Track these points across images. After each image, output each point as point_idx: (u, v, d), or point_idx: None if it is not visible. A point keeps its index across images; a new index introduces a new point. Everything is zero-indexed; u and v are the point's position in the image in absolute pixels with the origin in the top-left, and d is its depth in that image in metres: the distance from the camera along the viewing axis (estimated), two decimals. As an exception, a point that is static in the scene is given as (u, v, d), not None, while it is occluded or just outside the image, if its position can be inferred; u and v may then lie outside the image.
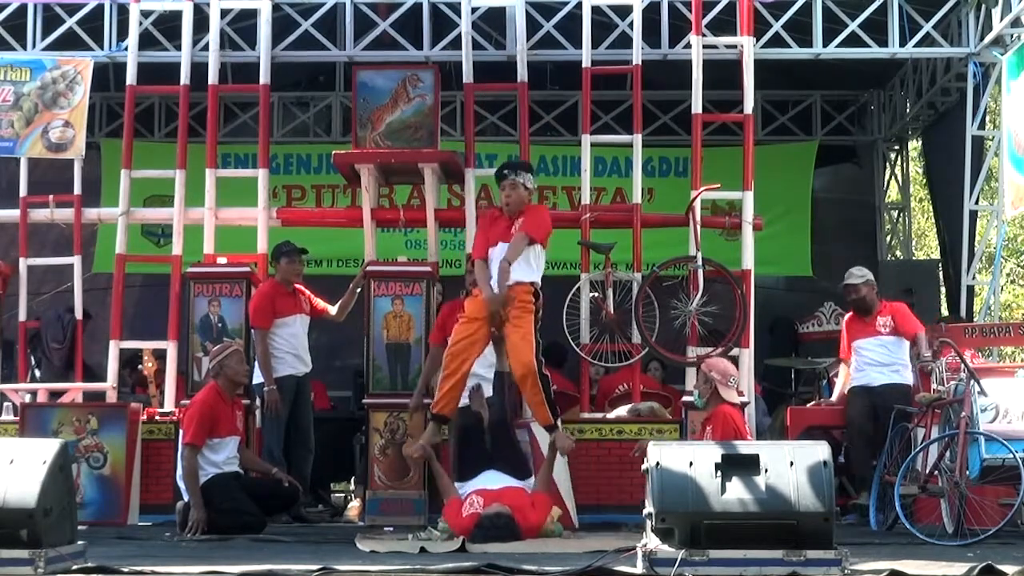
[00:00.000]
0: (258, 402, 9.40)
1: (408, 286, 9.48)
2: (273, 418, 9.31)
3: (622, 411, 9.78)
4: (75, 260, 10.48)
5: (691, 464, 5.56)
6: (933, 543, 7.30)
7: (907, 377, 9.20)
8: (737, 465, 5.56)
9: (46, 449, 5.74)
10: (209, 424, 8.30)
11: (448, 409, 8.19)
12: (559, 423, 8.25)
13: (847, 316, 9.67)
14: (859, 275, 9.43)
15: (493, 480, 7.95)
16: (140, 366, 10.53)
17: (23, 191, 10.44)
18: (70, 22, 11.27)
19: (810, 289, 13.97)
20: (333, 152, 10.57)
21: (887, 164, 15.41)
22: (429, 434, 8.30)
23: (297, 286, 9.60)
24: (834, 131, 15.01)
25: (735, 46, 10.31)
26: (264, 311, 9.39)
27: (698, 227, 9.87)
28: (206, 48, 10.72)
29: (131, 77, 10.58)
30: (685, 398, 9.54)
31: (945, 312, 12.99)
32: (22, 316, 10.52)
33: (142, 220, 11.57)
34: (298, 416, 9.49)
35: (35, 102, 10.40)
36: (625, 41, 10.71)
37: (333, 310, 9.78)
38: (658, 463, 5.58)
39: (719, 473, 5.51)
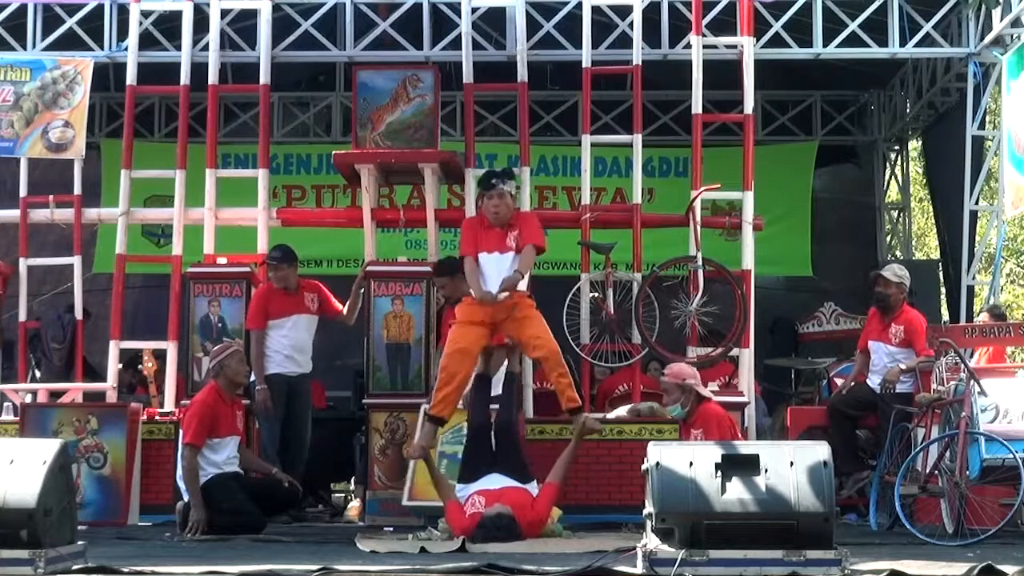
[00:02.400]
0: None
1: (408, 286, 9.49)
2: (266, 417, 9.33)
3: (622, 411, 9.77)
4: (75, 260, 10.47)
5: (691, 464, 5.56)
6: (933, 543, 7.30)
7: (909, 386, 9.17)
8: (737, 465, 5.56)
9: (46, 449, 5.73)
10: (209, 424, 8.30)
11: (446, 412, 8.19)
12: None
13: (872, 308, 9.65)
14: (898, 274, 9.38)
15: (495, 482, 7.95)
16: (140, 366, 10.53)
17: (23, 191, 10.43)
18: (70, 22, 11.27)
19: (810, 289, 13.98)
20: (333, 152, 10.57)
21: (887, 164, 15.42)
22: (426, 435, 8.29)
23: (312, 283, 9.64)
24: (834, 131, 15.02)
25: (735, 46, 10.31)
26: (254, 313, 9.50)
27: (698, 227, 9.86)
28: (206, 48, 10.71)
29: (131, 77, 10.58)
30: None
31: (946, 315, 13.01)
32: (22, 316, 10.51)
33: (142, 220, 11.56)
34: (292, 416, 9.49)
35: (35, 102, 10.39)
36: (625, 41, 10.70)
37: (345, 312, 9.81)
38: (658, 463, 5.58)
39: (719, 473, 5.51)
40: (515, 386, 8.54)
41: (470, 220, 8.85)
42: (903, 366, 9.06)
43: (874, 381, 9.32)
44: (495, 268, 8.16)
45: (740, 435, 9.03)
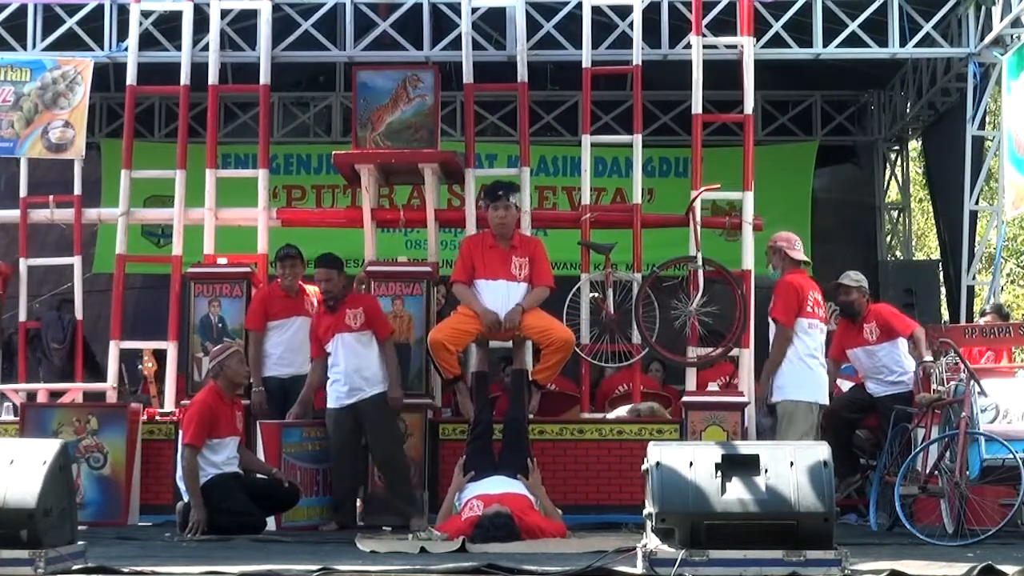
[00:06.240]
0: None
1: (408, 286, 9.48)
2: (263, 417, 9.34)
3: (622, 411, 9.78)
4: (75, 260, 10.48)
5: (691, 464, 5.56)
6: (933, 543, 7.31)
7: (904, 383, 9.18)
8: (737, 465, 5.56)
9: (46, 449, 5.74)
10: (209, 424, 8.30)
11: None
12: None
13: (840, 320, 9.71)
14: (855, 279, 9.47)
15: (496, 486, 7.98)
16: (140, 366, 10.52)
17: (23, 191, 10.43)
18: (70, 22, 11.28)
19: (810, 289, 13.94)
20: (333, 152, 10.57)
21: (887, 164, 15.42)
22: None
23: (308, 287, 9.64)
24: (834, 131, 15.03)
25: (735, 46, 10.30)
26: (253, 314, 9.48)
27: (698, 227, 9.86)
28: (206, 48, 10.71)
29: (131, 77, 10.57)
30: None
31: (946, 315, 13.00)
32: (22, 316, 10.51)
33: (142, 220, 11.57)
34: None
35: (35, 102, 10.39)
36: (625, 41, 10.71)
37: None
38: (658, 463, 5.58)
39: (719, 473, 5.51)
40: (524, 383, 8.63)
41: (469, 241, 9.01)
42: (927, 358, 8.94)
43: (871, 387, 9.33)
44: (502, 296, 8.56)
45: (799, 304, 8.91)
